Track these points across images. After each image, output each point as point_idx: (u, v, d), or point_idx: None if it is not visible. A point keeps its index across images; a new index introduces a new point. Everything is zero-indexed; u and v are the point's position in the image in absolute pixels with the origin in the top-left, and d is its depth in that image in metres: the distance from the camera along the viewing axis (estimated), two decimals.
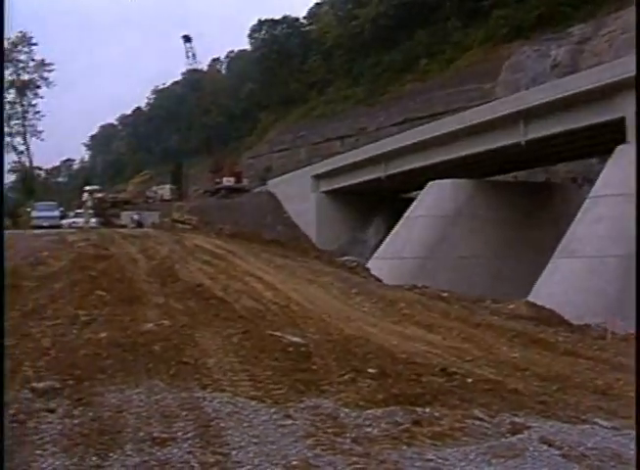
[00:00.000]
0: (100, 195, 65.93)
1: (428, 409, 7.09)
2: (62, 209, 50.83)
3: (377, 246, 51.75)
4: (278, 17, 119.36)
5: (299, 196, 69.25)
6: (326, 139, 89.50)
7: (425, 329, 12.22)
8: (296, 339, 9.42)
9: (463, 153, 47.48)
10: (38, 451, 5.74)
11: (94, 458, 5.62)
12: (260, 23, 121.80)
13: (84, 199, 43.94)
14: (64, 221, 46.08)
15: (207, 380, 7.69)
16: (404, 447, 6.11)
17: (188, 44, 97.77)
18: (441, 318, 13.82)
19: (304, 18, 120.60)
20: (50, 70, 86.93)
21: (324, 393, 7.51)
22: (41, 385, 7.28)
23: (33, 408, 6.71)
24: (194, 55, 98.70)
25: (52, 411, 6.65)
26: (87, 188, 48.06)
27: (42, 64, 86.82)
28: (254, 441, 6.07)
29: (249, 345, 9.18)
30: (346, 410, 6.98)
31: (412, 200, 50.31)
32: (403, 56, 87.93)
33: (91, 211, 47.38)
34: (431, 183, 47.24)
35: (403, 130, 61.91)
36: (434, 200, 46.25)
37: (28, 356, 8.35)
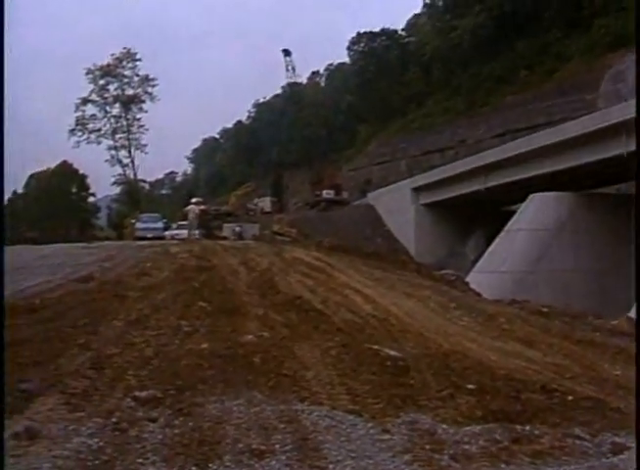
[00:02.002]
0: (203, 207, 67.13)
1: (527, 427, 6.95)
2: (165, 220, 51.92)
3: (476, 259, 51.05)
4: (377, 29, 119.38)
5: (399, 208, 68.93)
6: (425, 151, 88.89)
7: (525, 345, 11.98)
8: (394, 353, 9.36)
9: (564, 165, 46.44)
10: (139, 460, 5.86)
11: (194, 468, 5.73)
12: (359, 35, 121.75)
13: (186, 211, 44.61)
14: (167, 233, 47.00)
15: (306, 393, 7.71)
16: (503, 466, 6.02)
17: (288, 58, 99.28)
18: (542, 334, 13.53)
19: (403, 30, 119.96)
20: (154, 85, 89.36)
21: (422, 408, 7.45)
22: (144, 394, 7.42)
23: (136, 417, 6.85)
24: (293, 68, 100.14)
25: (153, 420, 6.78)
26: (193, 200, 48.79)
27: (146, 79, 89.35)
28: (352, 455, 6.07)
29: (347, 358, 9.16)
30: (444, 426, 6.90)
31: (512, 213, 49.44)
32: (503, 67, 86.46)
33: (195, 223, 48.14)
34: (531, 196, 46.35)
35: (503, 142, 60.98)
36: (534, 213, 45.39)
37: (132, 365, 8.52)
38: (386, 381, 8.23)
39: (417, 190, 68.26)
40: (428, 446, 6.35)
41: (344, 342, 9.98)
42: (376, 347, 9.67)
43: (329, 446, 6.27)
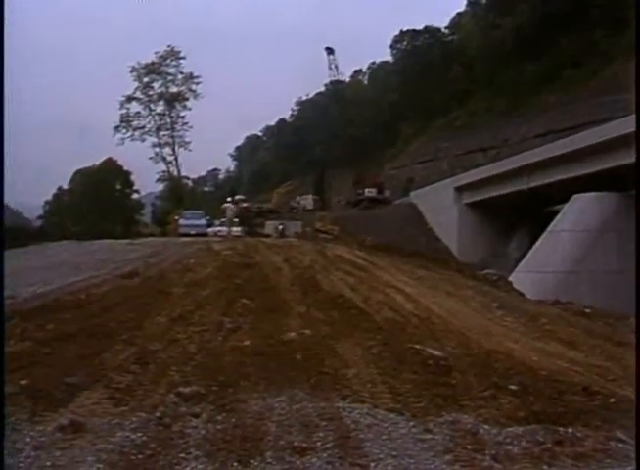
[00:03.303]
0: (245, 204, 67.37)
1: (570, 429, 6.87)
2: (208, 217, 52.15)
3: (519, 259, 50.57)
4: (420, 27, 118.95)
5: (441, 208, 68.66)
6: (468, 151, 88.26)
7: (567, 346, 11.88)
8: (436, 352, 9.33)
9: (608, 165, 45.75)
10: (182, 455, 5.91)
11: (235, 464, 5.75)
12: (402, 33, 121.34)
13: (223, 208, 44.73)
14: (210, 230, 47.24)
15: (347, 391, 7.72)
16: (545, 467, 5.96)
17: (331, 56, 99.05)
18: (584, 335, 13.40)
19: (446, 28, 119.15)
20: (197, 83, 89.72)
21: (464, 408, 7.40)
22: (187, 390, 7.49)
23: (179, 412, 6.92)
24: (336, 66, 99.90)
25: (196, 416, 6.84)
26: (229, 199, 48.92)
27: (190, 77, 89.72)
28: (393, 454, 6.05)
29: (388, 356, 9.15)
30: (486, 427, 6.85)
31: (555, 213, 48.94)
32: (546, 66, 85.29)
33: (236, 220, 48.27)
34: (575, 196, 45.83)
35: (547, 142, 60.31)
36: (577, 213, 44.86)
37: (175, 361, 8.61)
38: (427, 380, 8.20)
39: (459, 189, 67.92)
40: (469, 447, 6.31)
41: (386, 340, 9.97)
42: (417, 346, 9.65)
43: (370, 444, 6.26)
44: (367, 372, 8.47)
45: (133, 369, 8.18)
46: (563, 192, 48.21)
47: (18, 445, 5.96)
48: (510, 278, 29.21)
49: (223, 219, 47.10)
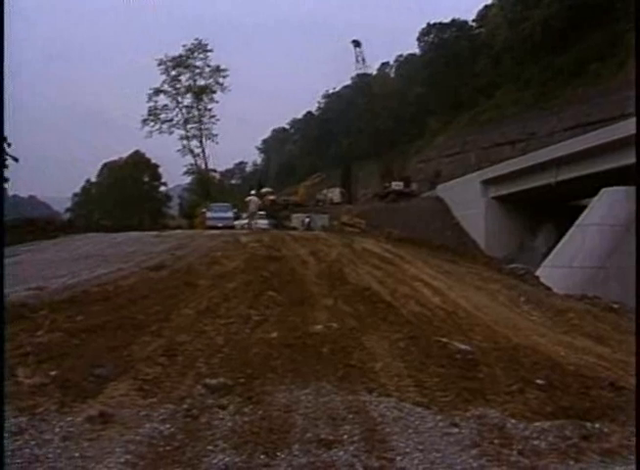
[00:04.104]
0: (272, 197, 67.47)
1: (597, 424, 6.84)
2: (235, 210, 52.24)
3: (546, 254, 50.31)
4: (447, 20, 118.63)
5: (468, 201, 68.48)
6: (495, 144, 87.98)
7: (594, 341, 11.80)
8: (463, 346, 9.29)
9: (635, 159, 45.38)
10: (210, 447, 5.94)
11: (262, 456, 5.77)
12: (429, 26, 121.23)
13: (247, 201, 44.66)
14: (236, 222, 47.34)
15: (374, 384, 7.71)
16: (572, 463, 5.93)
17: (358, 49, 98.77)
18: (612, 330, 13.28)
19: (473, 21, 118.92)
20: (224, 76, 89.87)
21: (490, 402, 7.38)
22: (214, 382, 7.52)
23: (206, 404, 6.95)
24: (363, 59, 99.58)
25: (224, 408, 6.87)
26: (252, 192, 48.89)
27: (217, 69, 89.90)
28: (420, 448, 6.05)
29: (415, 350, 9.13)
30: (513, 421, 6.82)
31: (583, 207, 48.58)
32: (574, 59, 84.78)
33: (261, 213, 48.30)
34: (603, 190, 45.46)
35: (575, 135, 59.95)
36: (606, 208, 44.41)
37: (203, 353, 8.64)
38: (454, 374, 8.18)
39: (487, 183, 67.71)
40: (496, 441, 6.29)
41: (413, 334, 9.95)
42: (444, 339, 9.63)
43: (397, 437, 6.26)
44: (394, 366, 8.45)
45: (161, 361, 8.21)
46: (591, 186, 47.85)
47: (46, 435, 6.01)
48: (537, 272, 29.07)
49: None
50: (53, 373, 7.52)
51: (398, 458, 5.81)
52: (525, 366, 8.70)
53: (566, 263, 42.71)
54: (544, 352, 9.66)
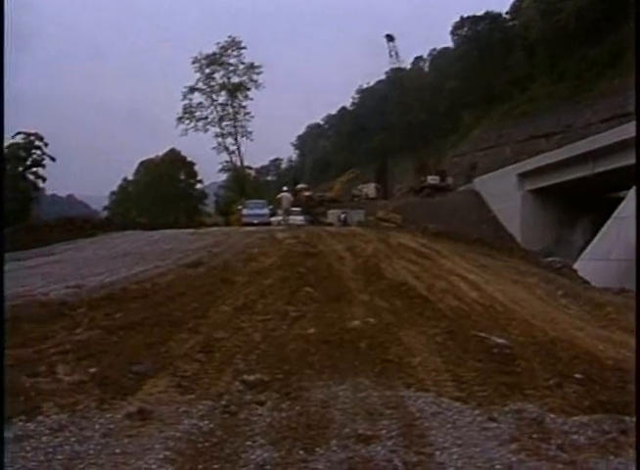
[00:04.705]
0: (308, 193, 67.51)
1: (635, 419, 6.78)
2: (271, 206, 52.34)
3: (584, 247, 49.82)
4: (480, 13, 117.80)
5: (504, 194, 68.00)
6: (531, 137, 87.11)
7: (632, 335, 11.67)
8: (500, 340, 9.24)
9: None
10: (248, 443, 5.94)
11: (300, 452, 5.76)
12: (463, 19, 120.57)
13: (279, 198, 44.65)
14: (273, 219, 47.44)
15: (412, 379, 7.69)
16: (611, 457, 5.87)
17: (391, 43, 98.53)
18: None
19: (507, 13, 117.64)
20: (259, 73, 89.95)
21: (528, 397, 7.32)
22: (252, 378, 7.55)
23: (244, 400, 6.97)
24: (397, 54, 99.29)
25: (261, 404, 6.88)
26: (285, 188, 48.88)
27: (251, 67, 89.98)
28: (458, 442, 6.01)
29: (452, 345, 9.09)
30: (552, 416, 6.76)
31: (621, 199, 47.97)
32: (609, 50, 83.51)
33: (295, 209, 48.33)
34: None
35: (611, 127, 59.18)
36: None
37: (240, 350, 8.68)
38: (492, 368, 8.13)
39: (523, 176, 67.19)
40: (535, 436, 6.24)
41: (450, 328, 9.92)
42: (482, 334, 9.58)
43: (435, 432, 6.23)
44: (431, 360, 8.43)
45: (199, 357, 8.26)
46: (628, 178, 47.25)
47: (87, 432, 6.05)
48: (574, 266, 28.82)
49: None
50: (92, 370, 7.59)
51: (437, 453, 5.78)
52: (562, 360, 8.63)
53: (603, 256, 42.24)
54: (582, 346, 9.57)
